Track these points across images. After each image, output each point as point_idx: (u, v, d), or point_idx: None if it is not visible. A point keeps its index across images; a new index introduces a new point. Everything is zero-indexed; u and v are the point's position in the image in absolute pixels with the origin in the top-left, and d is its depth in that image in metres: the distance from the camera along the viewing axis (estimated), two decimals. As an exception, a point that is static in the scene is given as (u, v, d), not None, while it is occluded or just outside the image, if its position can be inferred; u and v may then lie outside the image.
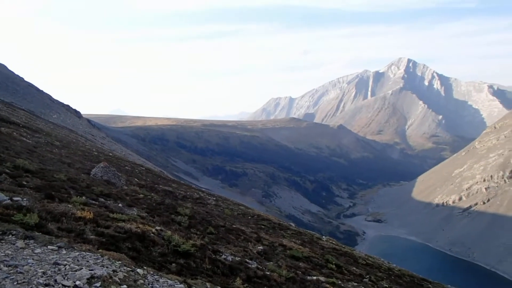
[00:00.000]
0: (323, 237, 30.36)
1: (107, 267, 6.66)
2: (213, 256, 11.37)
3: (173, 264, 9.27)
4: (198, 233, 14.62)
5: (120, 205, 15.42)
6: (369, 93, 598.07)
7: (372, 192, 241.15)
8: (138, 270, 7.18)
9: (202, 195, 33.22)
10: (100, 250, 7.99)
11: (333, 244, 26.82)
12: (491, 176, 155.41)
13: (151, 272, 7.41)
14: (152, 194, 22.30)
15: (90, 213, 10.68)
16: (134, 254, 8.91)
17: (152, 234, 10.87)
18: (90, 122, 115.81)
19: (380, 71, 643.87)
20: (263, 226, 24.84)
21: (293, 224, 35.04)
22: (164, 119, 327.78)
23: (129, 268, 7.08)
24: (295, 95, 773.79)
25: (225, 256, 12.17)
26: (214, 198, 33.15)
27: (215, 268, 10.43)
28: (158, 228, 11.99)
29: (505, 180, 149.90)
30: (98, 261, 7.00)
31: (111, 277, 6.20)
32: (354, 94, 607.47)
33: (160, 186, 30.06)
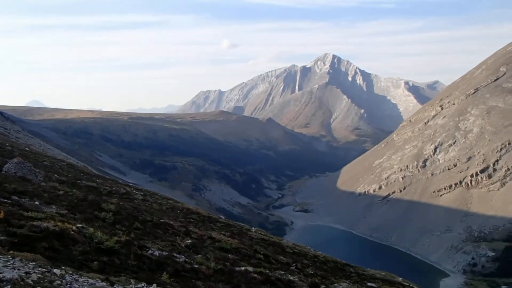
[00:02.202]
0: (253, 228, 30.85)
1: (19, 269, 6.20)
2: (139, 251, 11.05)
3: (95, 262, 8.87)
4: (123, 229, 14.13)
5: (36, 203, 14.44)
6: (296, 87, 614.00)
7: (299, 183, 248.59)
8: (55, 270, 6.78)
9: (129, 190, 32.13)
10: (11, 252, 7.41)
11: (262, 234, 27.37)
12: (407, 166, 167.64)
13: (70, 272, 7.03)
14: (74, 190, 21.13)
15: (0, 212, 9.87)
16: (51, 254, 8.39)
17: (72, 232, 10.30)
18: (2, 115, 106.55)
19: (307, 66, 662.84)
20: (192, 220, 24.65)
21: (223, 217, 35.17)
22: (87, 111, 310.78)
23: (44, 269, 6.65)
24: (224, 88, 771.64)
25: (152, 251, 11.90)
26: (142, 193, 32.22)
27: (141, 264, 10.16)
28: (79, 225, 11.39)
29: (418, 170, 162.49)
30: (9, 263, 6.49)
31: (23, 280, 5.77)
32: (282, 88, 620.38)
33: (83, 181, 28.58)
